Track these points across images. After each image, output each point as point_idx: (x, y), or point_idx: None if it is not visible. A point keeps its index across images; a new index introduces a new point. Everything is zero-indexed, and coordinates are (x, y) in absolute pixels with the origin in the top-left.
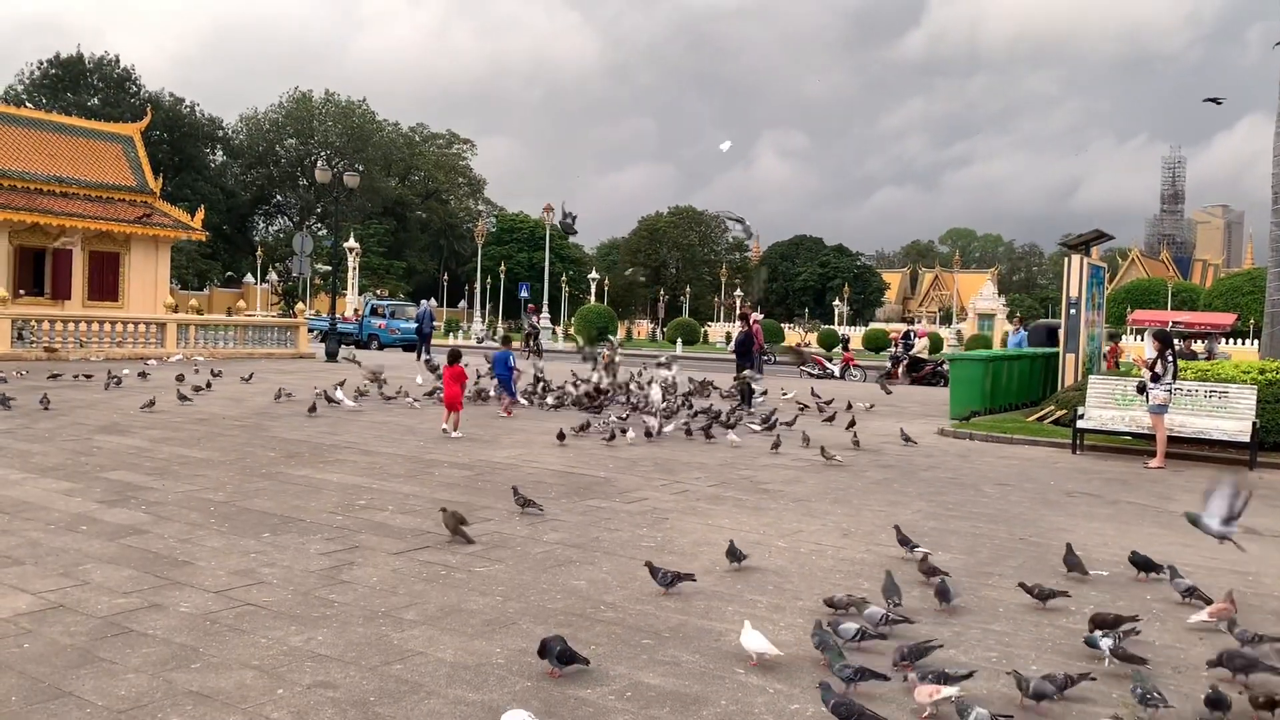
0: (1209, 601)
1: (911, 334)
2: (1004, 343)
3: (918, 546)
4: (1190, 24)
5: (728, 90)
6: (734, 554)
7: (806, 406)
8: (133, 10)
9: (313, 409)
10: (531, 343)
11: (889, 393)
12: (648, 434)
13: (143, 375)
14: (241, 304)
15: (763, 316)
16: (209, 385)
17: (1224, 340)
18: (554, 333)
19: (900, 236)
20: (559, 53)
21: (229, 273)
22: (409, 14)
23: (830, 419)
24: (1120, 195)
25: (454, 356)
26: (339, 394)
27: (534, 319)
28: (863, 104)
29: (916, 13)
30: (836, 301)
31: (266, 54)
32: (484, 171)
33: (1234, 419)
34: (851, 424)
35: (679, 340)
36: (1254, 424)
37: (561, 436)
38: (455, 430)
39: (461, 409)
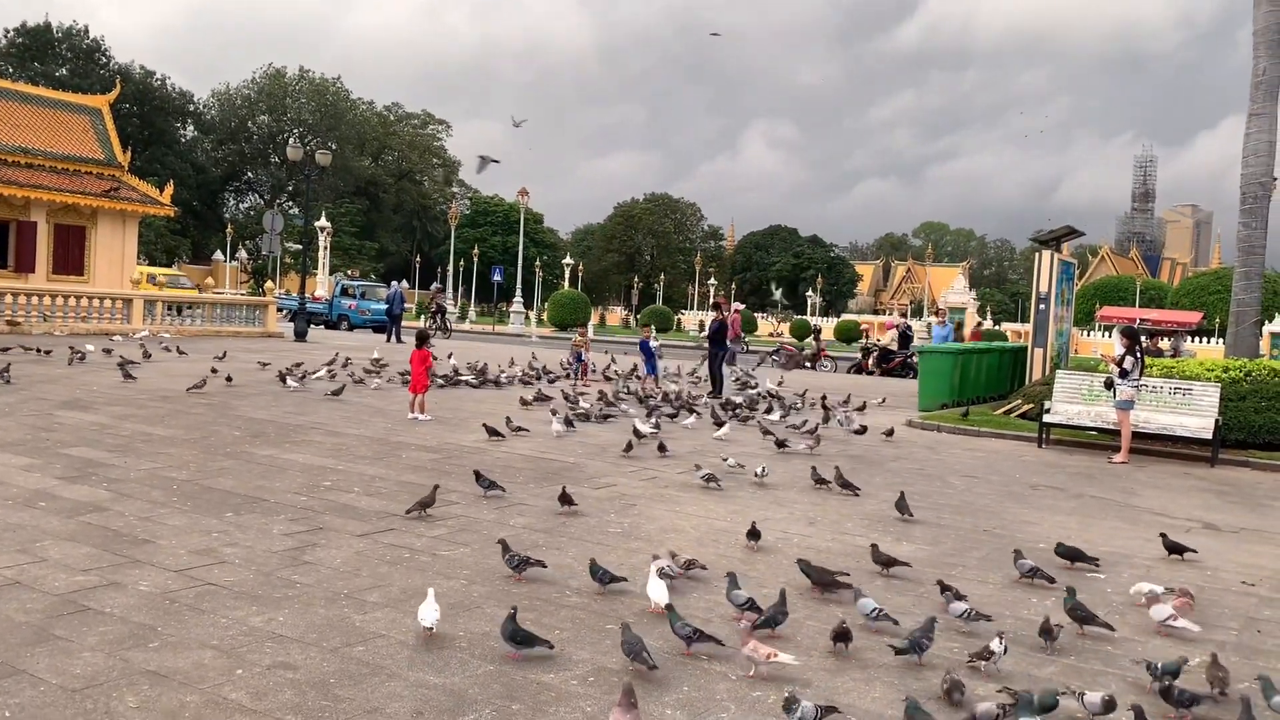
0: (1052, 581)
1: (908, 327)
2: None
3: (758, 536)
4: (1183, 25)
5: (720, 78)
6: (596, 573)
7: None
8: None
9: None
10: (438, 320)
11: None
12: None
13: (107, 351)
14: (210, 281)
15: (742, 306)
16: (146, 354)
17: (1190, 338)
18: (527, 317)
19: (878, 229)
20: (551, 38)
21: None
22: None
23: (824, 419)
24: (1100, 193)
25: (421, 339)
26: (292, 383)
27: (441, 299)
28: (853, 95)
29: (911, 4)
30: (810, 292)
31: (255, 29)
32: (469, 154)
33: (1197, 416)
34: (846, 404)
35: (652, 327)
36: (1217, 421)
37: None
38: (422, 413)
39: (425, 392)
